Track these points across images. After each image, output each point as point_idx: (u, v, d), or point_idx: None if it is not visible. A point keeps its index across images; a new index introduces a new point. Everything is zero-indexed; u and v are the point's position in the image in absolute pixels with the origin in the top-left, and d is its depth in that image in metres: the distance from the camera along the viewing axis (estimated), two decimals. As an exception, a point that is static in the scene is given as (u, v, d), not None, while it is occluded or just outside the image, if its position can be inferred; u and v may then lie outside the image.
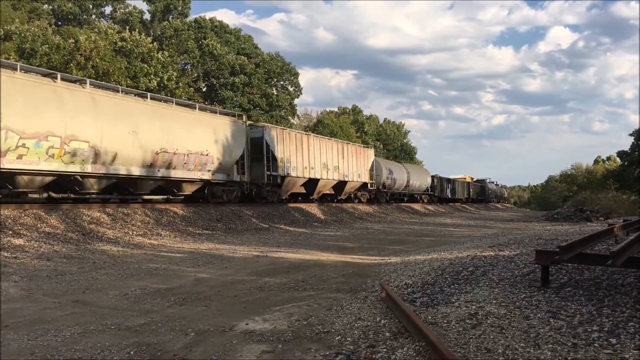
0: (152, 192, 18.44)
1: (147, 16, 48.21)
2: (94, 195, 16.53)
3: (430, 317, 5.24)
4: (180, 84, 40.10)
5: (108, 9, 48.27)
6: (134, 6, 48.08)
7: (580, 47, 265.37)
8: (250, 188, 22.29)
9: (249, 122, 23.30)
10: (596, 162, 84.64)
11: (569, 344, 4.22)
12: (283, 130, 24.95)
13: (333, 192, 30.15)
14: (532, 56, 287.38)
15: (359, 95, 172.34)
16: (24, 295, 6.95)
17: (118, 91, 17.05)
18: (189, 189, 19.72)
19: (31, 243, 11.28)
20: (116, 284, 7.81)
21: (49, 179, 14.77)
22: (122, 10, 47.16)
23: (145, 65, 36.56)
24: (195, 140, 18.88)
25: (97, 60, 32.11)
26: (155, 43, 40.19)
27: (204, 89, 48.08)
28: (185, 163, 18.52)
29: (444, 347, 3.88)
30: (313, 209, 24.79)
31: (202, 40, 46.09)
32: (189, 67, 47.14)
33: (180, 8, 48.16)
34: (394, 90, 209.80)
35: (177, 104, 19.48)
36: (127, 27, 40.88)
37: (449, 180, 51.59)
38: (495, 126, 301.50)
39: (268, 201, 23.12)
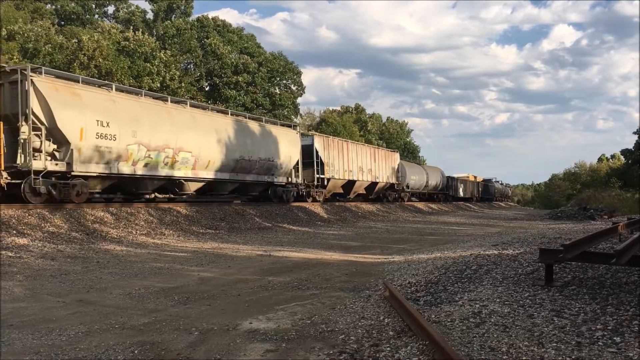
0: (229, 193, 21.80)
1: (149, 15, 48.28)
2: (188, 196, 19.97)
3: (433, 316, 5.24)
4: (183, 84, 40.16)
5: (111, 9, 48.38)
6: (136, 6, 48.21)
7: (584, 45, 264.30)
8: (301, 189, 25.55)
9: (300, 132, 26.85)
10: (600, 160, 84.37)
11: (573, 342, 4.22)
12: (327, 137, 28.48)
13: (365, 192, 32.93)
14: (535, 54, 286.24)
15: (362, 94, 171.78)
16: (29, 294, 6.97)
17: (208, 109, 20.92)
18: (257, 190, 23.08)
19: (35, 243, 11.31)
20: (120, 283, 7.83)
21: (162, 182, 18.16)
22: (125, 10, 47.24)
23: (148, 65, 36.61)
24: (264, 148, 22.27)
25: (100, 60, 32.19)
26: (157, 42, 40.24)
27: (207, 88, 48.12)
28: (257, 168, 21.88)
29: (447, 345, 3.88)
30: (316, 208, 24.80)
31: (205, 40, 46.11)
32: (191, 66, 47.17)
33: (182, 7, 48.22)
34: (397, 89, 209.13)
35: (250, 118, 23.25)
36: (130, 27, 40.95)
37: (461, 180, 55.31)
38: (498, 125, 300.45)
39: (316, 200, 26.40)
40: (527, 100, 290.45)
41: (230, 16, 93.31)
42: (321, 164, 26.19)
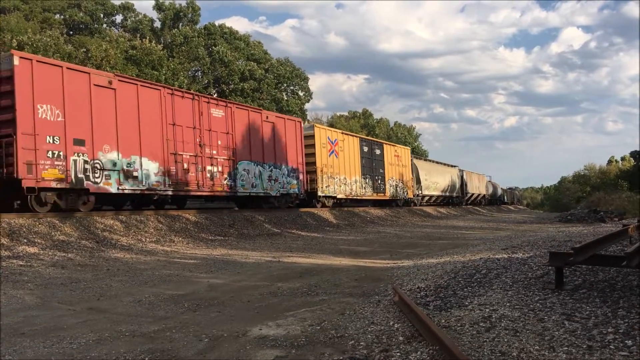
0: (442, 202, 46.07)
1: (157, 24, 48.57)
2: (428, 202, 43.34)
3: (443, 321, 5.22)
4: (192, 91, 40.33)
5: (119, 18, 48.73)
6: (144, 14, 48.51)
7: (593, 47, 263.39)
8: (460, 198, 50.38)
9: (458, 168, 51.29)
10: (610, 162, 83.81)
11: (584, 346, 4.19)
12: (466, 170, 52.27)
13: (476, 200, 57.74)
14: (544, 57, 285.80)
15: (371, 99, 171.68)
16: (39, 303, 7.02)
17: (434, 161, 47.69)
18: (440, 200, 44.19)
19: (45, 251, 11.38)
20: (130, 291, 7.86)
21: (431, 199, 41.95)
22: (133, 19, 47.57)
23: (156, 73, 36.83)
24: (453, 179, 46.48)
25: (108, 69, 32.39)
26: (165, 50, 40.46)
27: (214, 95, 48.31)
28: (452, 189, 45.61)
29: (458, 350, 3.87)
30: (325, 213, 24.78)
31: (212, 47, 46.33)
32: (199, 73, 47.39)
33: (190, 15, 48.49)
34: (405, 94, 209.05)
35: (436, 162, 47.41)
36: (138, 35, 41.20)
37: (506, 190, 78.14)
38: (507, 128, 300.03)
39: (460, 204, 50.69)
40: (536, 103, 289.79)
41: (240, 24, 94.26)
42: (465, 185, 50.58)
